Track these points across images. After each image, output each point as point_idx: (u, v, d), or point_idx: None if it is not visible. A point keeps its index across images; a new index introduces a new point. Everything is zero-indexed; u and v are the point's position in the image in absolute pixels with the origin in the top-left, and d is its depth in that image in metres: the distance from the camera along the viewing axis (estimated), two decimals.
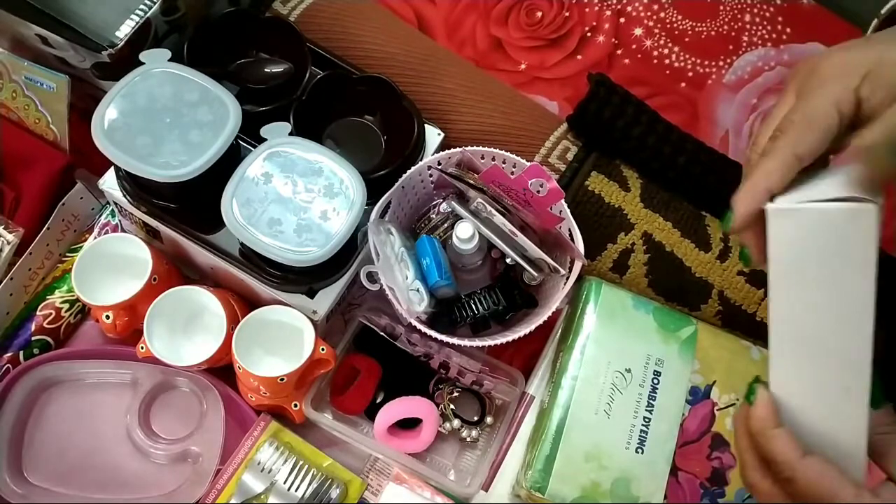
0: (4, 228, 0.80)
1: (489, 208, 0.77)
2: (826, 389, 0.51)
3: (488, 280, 0.84)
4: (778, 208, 0.46)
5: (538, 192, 0.73)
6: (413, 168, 0.78)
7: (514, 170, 0.80)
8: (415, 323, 0.74)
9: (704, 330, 0.83)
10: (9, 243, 0.79)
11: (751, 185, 0.46)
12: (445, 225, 0.82)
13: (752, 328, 0.84)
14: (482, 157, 0.80)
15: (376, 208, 0.76)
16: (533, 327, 0.75)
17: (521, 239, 0.77)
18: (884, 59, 0.46)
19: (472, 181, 0.78)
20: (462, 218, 0.78)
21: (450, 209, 0.79)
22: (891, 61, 0.45)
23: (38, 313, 0.81)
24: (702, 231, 0.85)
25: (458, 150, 0.78)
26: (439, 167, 0.79)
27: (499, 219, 0.77)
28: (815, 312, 0.50)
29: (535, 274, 0.78)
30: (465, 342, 0.75)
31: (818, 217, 0.46)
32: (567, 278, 0.78)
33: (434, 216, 0.82)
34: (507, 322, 0.82)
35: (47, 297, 0.82)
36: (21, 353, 0.80)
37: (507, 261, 0.79)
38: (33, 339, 0.81)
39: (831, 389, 0.51)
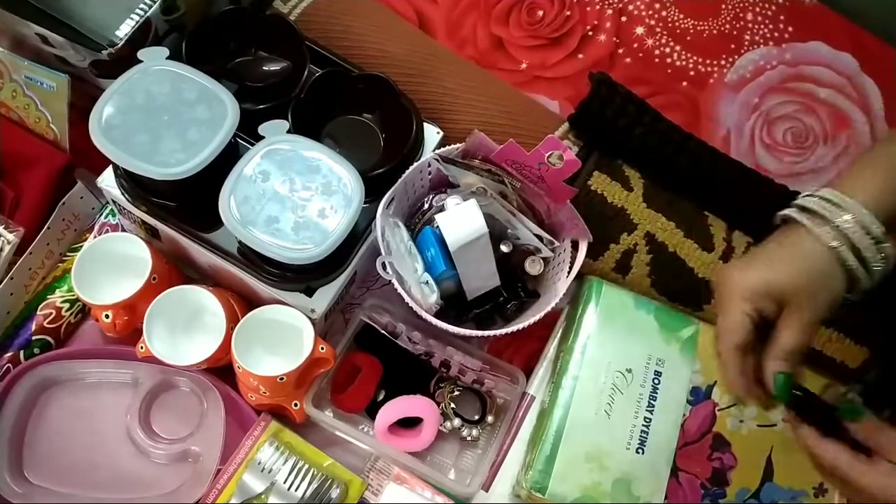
0: (5, 228, 0.80)
1: (489, 192, 0.77)
2: None
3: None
4: None
5: (555, 165, 0.74)
6: (417, 163, 0.78)
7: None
8: (427, 317, 0.74)
9: (706, 330, 0.83)
10: (9, 243, 0.79)
11: (726, 374, 0.64)
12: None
13: None
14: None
15: (383, 201, 0.75)
16: (541, 314, 0.75)
17: (521, 217, 0.77)
18: (770, 282, 0.62)
19: (476, 164, 0.78)
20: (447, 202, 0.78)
21: (444, 199, 0.79)
22: (774, 283, 0.62)
23: (38, 313, 0.81)
24: (704, 231, 0.85)
25: (470, 137, 0.78)
26: (445, 158, 0.79)
27: (499, 201, 0.77)
28: None
29: (540, 247, 0.79)
30: (475, 332, 0.75)
31: None
32: (571, 267, 0.78)
33: (427, 208, 0.82)
34: (509, 314, 0.81)
35: (48, 296, 0.82)
36: (21, 352, 0.80)
37: (503, 248, 0.79)
38: (34, 338, 0.81)
39: None
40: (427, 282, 0.76)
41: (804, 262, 0.63)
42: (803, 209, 0.65)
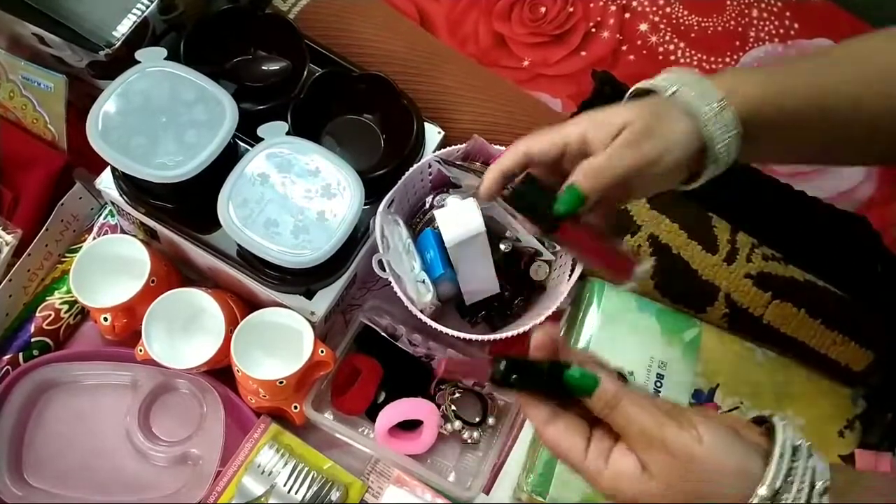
0: (3, 229, 0.79)
1: None
2: None
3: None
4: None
5: None
6: (418, 164, 0.77)
7: None
8: (422, 317, 0.74)
9: (709, 332, 0.82)
10: (7, 244, 0.79)
11: (491, 167, 0.62)
12: None
13: (758, 331, 0.82)
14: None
15: (385, 200, 0.75)
16: (543, 317, 0.75)
17: (521, 219, 0.76)
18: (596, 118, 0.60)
19: (477, 167, 0.77)
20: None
21: (445, 198, 0.79)
22: (606, 119, 0.59)
23: (37, 314, 0.81)
24: (708, 233, 0.84)
25: (470, 141, 0.77)
26: (446, 160, 0.78)
27: (500, 203, 0.76)
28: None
29: (540, 250, 0.79)
30: (475, 336, 0.75)
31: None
32: (573, 269, 0.77)
33: (428, 207, 0.81)
34: (515, 311, 0.81)
35: (46, 298, 0.82)
36: (21, 354, 0.80)
37: (502, 247, 0.79)
38: (33, 340, 0.80)
39: None
40: (423, 280, 0.75)
41: (643, 107, 0.59)
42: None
